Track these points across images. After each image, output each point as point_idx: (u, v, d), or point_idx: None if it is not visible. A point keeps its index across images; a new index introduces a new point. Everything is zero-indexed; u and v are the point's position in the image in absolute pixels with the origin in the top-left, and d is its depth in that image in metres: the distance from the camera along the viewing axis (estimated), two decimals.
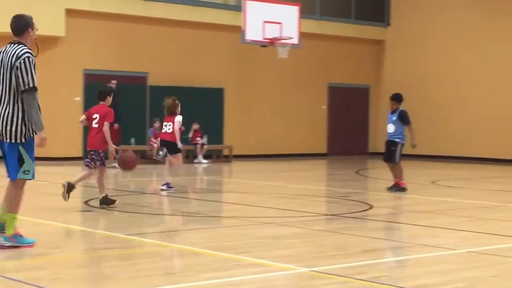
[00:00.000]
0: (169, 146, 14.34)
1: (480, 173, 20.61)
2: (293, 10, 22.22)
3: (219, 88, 24.52)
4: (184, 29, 24.14)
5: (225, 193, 14.20)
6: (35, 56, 7.72)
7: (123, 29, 23.11)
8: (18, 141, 7.65)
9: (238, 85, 25.28)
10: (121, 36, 23.07)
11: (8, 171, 7.81)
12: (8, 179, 7.85)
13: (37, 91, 7.65)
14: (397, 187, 14.54)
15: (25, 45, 7.74)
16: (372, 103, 28.94)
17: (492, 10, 25.54)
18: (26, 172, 7.70)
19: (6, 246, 7.70)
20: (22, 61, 7.58)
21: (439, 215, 11.38)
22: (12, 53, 7.64)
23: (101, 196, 11.42)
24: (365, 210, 11.71)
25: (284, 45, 21.57)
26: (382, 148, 14.95)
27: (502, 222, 10.83)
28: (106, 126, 11.51)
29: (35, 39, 7.90)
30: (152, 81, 23.55)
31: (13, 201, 7.76)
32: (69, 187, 11.11)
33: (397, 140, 14.64)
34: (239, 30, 21.26)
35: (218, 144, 24.55)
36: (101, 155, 11.48)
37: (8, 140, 7.67)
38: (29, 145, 7.70)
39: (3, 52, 7.74)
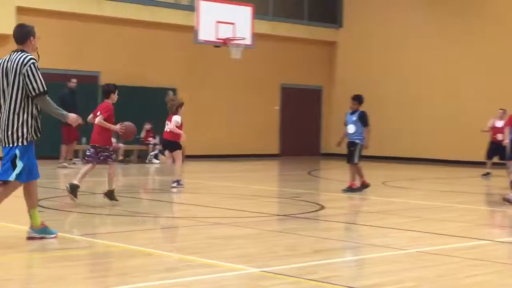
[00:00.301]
0: (169, 144, 14.83)
1: (429, 174, 20.89)
2: (246, 11, 22.27)
3: (171, 88, 24.46)
4: (137, 29, 24.05)
5: (177, 193, 14.18)
6: (37, 61, 8.09)
7: (75, 28, 22.92)
8: (15, 144, 7.95)
9: (191, 85, 25.24)
10: (73, 35, 22.89)
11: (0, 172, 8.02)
12: None
13: (46, 93, 8.00)
14: (358, 188, 14.62)
15: (28, 53, 8.09)
16: (324, 104, 29.14)
17: (441, 12, 25.91)
18: (18, 175, 7.96)
19: (36, 237, 8.27)
20: (28, 67, 7.94)
21: (389, 215, 11.52)
22: (17, 60, 7.98)
23: (108, 189, 11.84)
24: (316, 211, 11.80)
25: (237, 45, 21.62)
26: (334, 149, 15.08)
27: (449, 223, 11.00)
28: (99, 119, 11.82)
29: (36, 47, 8.30)
30: (104, 80, 23.35)
31: (32, 198, 8.28)
32: (73, 188, 11.54)
33: (357, 141, 14.75)
34: (192, 30, 21.25)
35: None
36: (110, 149, 11.93)
37: (6, 145, 8.00)
38: (27, 148, 7.98)
39: (7, 60, 8.08)
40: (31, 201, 8.30)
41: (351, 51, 28.46)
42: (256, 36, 22.70)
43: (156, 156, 22.97)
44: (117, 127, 11.80)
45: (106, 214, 11.30)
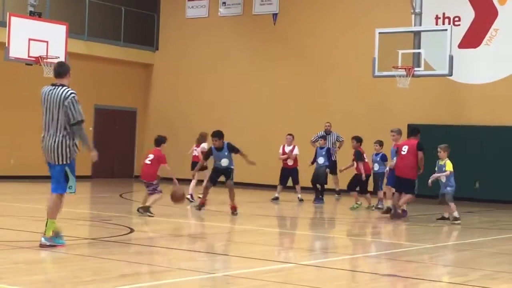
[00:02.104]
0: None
1: (242, 198, 21.16)
2: (61, 29, 21.75)
3: None
4: None
5: None
6: (76, 94, 9.68)
7: None
8: (65, 162, 9.70)
9: (1, 103, 24.29)
10: None
11: (54, 187, 9.68)
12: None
13: (83, 122, 9.74)
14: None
15: (68, 86, 9.74)
16: (139, 126, 28.96)
17: (253, 38, 26.54)
18: (70, 187, 9.78)
19: (46, 245, 9.51)
20: (69, 100, 9.61)
21: (199, 239, 11.55)
22: (60, 94, 9.63)
23: (145, 205, 14.27)
24: (126, 234, 11.64)
25: (50, 64, 21.02)
26: None
27: (258, 246, 11.18)
28: (164, 168, 14.71)
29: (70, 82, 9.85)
30: None
31: (53, 210, 9.65)
32: (144, 209, 14.14)
33: (232, 167, 15.89)
34: (3, 46, 20.49)
35: None
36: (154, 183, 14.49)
37: (57, 163, 9.67)
38: (72, 165, 9.79)
39: (50, 92, 9.72)
40: (52, 211, 9.64)
41: (167, 74, 28.53)
42: (70, 55, 22.21)
43: None
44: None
45: None
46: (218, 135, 15.68)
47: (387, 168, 17.34)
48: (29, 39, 20.58)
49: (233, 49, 27.01)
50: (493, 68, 22.30)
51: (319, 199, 19.51)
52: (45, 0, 22.65)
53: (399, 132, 17.04)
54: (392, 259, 10.44)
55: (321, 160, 19.48)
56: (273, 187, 21.54)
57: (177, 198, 14.38)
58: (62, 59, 21.27)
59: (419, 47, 19.62)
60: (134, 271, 8.51)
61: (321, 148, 19.66)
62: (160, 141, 15.02)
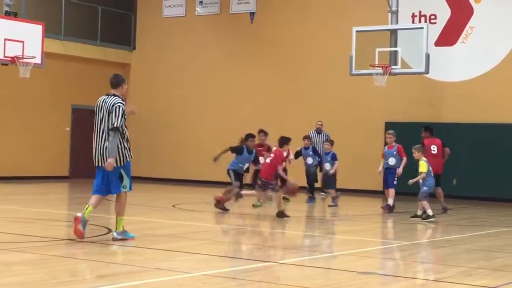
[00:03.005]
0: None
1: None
2: (37, 29, 21.63)
3: None
4: None
5: None
6: (125, 105, 10.66)
7: None
8: (120, 164, 10.63)
9: None
10: None
11: (111, 188, 10.76)
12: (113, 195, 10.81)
13: (120, 130, 10.54)
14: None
15: (119, 97, 10.74)
16: None
17: (229, 36, 26.53)
18: (125, 187, 10.79)
19: (118, 238, 10.66)
20: (115, 108, 10.57)
21: (177, 238, 11.53)
22: (110, 102, 10.66)
23: (278, 210, 14.77)
24: (103, 234, 11.58)
25: (26, 64, 20.91)
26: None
27: (237, 245, 11.17)
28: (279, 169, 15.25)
29: (125, 92, 10.90)
30: None
31: (121, 208, 10.80)
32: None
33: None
34: None
35: None
36: (272, 183, 15.15)
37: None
38: (126, 166, 10.72)
39: (103, 101, 10.76)
40: (119, 209, 10.78)
41: (144, 74, 28.45)
42: (47, 55, 22.11)
43: None
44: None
45: None
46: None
47: (380, 168, 17.42)
48: (5, 39, 20.50)
49: (211, 48, 26.98)
50: (469, 66, 22.44)
51: (311, 198, 19.53)
52: (21, 0, 22.48)
53: (394, 134, 17.43)
54: (369, 257, 10.47)
55: (310, 160, 19.43)
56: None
57: (291, 190, 14.97)
58: (38, 59, 21.19)
59: (395, 45, 19.70)
60: (112, 272, 8.47)
61: (306, 148, 19.51)
62: (283, 142, 15.08)
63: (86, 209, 10.71)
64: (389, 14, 20.51)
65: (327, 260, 10.13)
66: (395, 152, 17.01)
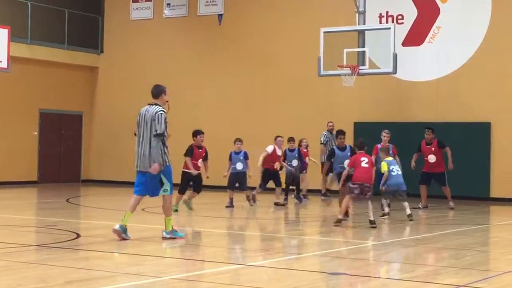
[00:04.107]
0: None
1: (196, 200, 21.03)
2: (2, 33, 21.47)
3: None
4: None
5: None
6: (166, 112, 11.45)
7: None
8: (160, 169, 11.24)
9: None
10: None
11: (152, 192, 11.55)
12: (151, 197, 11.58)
13: (162, 137, 11.32)
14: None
15: (160, 105, 11.55)
16: (85, 129, 28.65)
17: (200, 39, 26.47)
18: (165, 190, 11.50)
19: (167, 237, 11.39)
20: (158, 115, 11.39)
21: (147, 242, 11.46)
22: (152, 111, 11.50)
23: (340, 217, 14.21)
24: (72, 240, 11.49)
25: None
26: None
27: (207, 248, 11.14)
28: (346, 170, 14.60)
29: (167, 101, 11.78)
30: None
31: (167, 209, 11.56)
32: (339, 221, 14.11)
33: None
34: None
35: None
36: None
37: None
38: (166, 171, 11.38)
39: (146, 110, 11.63)
40: (166, 211, 11.53)
41: (112, 77, 28.29)
42: (13, 59, 21.93)
43: None
44: None
45: None
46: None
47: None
48: None
49: (179, 51, 26.90)
50: (436, 66, 22.59)
51: (299, 197, 19.65)
52: None
53: (388, 133, 18.00)
54: (339, 257, 10.49)
55: (295, 162, 19.38)
56: (222, 188, 21.45)
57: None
58: (4, 63, 21.02)
59: (363, 46, 19.80)
60: (80, 277, 8.39)
61: (291, 150, 19.44)
62: (362, 146, 14.57)
63: (124, 216, 11.41)
64: (357, 14, 20.59)
65: (297, 261, 10.11)
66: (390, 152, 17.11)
